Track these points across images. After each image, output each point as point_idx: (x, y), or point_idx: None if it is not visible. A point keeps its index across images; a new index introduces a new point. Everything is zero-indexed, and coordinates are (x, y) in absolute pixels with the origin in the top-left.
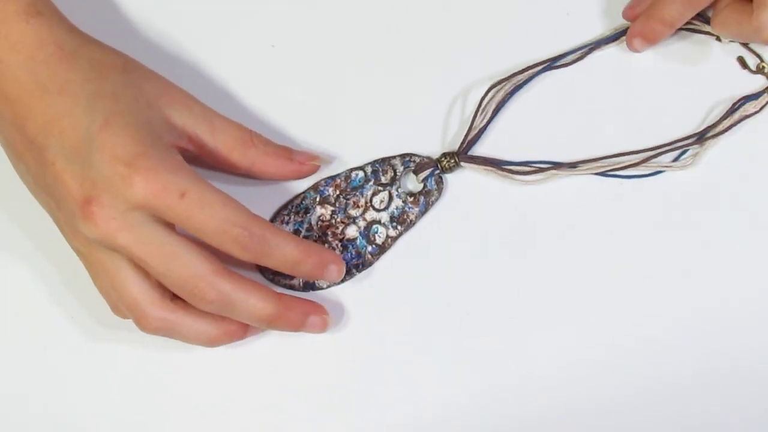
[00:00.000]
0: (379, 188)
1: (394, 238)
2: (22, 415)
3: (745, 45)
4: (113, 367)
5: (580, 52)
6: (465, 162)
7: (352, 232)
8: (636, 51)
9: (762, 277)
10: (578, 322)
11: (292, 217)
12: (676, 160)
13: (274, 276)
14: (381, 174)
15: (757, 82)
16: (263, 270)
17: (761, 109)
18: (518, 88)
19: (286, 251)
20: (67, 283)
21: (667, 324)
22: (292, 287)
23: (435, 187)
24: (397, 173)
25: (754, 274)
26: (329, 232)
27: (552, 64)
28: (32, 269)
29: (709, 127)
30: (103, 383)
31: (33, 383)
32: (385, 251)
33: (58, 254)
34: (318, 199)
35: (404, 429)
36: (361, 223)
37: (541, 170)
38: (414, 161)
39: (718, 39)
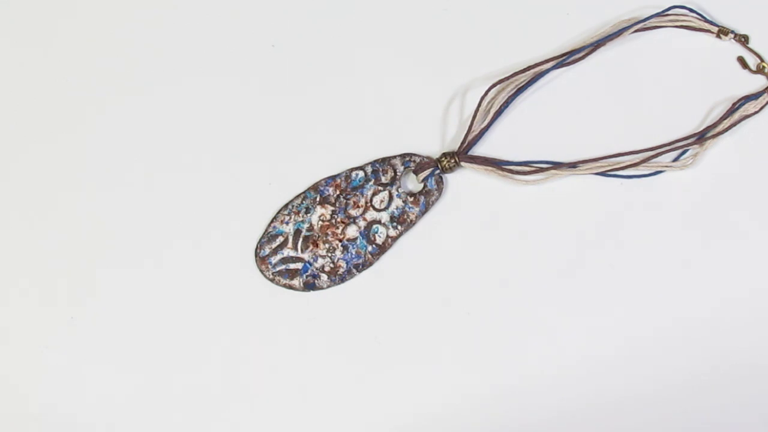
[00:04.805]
0: (380, 188)
1: (394, 238)
2: (22, 415)
3: (745, 45)
4: (112, 367)
5: (580, 52)
6: (465, 162)
7: (352, 231)
8: None
9: (762, 276)
10: (578, 321)
11: (293, 216)
12: (676, 160)
13: (274, 276)
14: (381, 174)
15: (757, 82)
16: (263, 269)
17: (761, 109)
18: (522, 89)
19: None
20: (67, 283)
21: (667, 323)
22: (291, 287)
23: (435, 187)
24: (398, 173)
25: (755, 274)
26: (329, 232)
27: (554, 64)
28: (32, 269)
29: (709, 127)
30: (103, 382)
31: (33, 383)
32: (385, 251)
33: (59, 253)
34: (318, 199)
35: (404, 428)
36: (362, 223)
37: (541, 170)
38: (414, 161)
39: (719, 38)
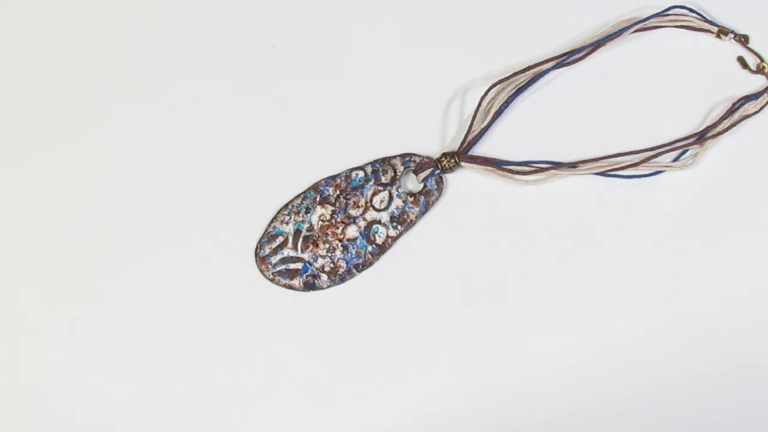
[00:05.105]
0: (380, 188)
1: (394, 238)
2: (21, 415)
3: (745, 45)
4: (112, 367)
5: (580, 52)
6: (465, 162)
7: (352, 232)
8: None
9: (762, 276)
10: (578, 321)
11: (293, 216)
12: (676, 160)
13: (274, 276)
14: (381, 174)
15: (757, 82)
16: (263, 269)
17: (761, 109)
18: (522, 89)
19: None
20: (67, 283)
21: (667, 323)
22: (291, 287)
23: (435, 187)
24: (398, 173)
25: (755, 274)
26: (329, 232)
27: (554, 64)
28: (33, 269)
29: (709, 127)
30: (103, 382)
31: (33, 383)
32: (385, 251)
33: (59, 253)
34: (318, 199)
35: (404, 428)
36: (362, 223)
37: (541, 170)
38: (414, 161)
39: (719, 38)
